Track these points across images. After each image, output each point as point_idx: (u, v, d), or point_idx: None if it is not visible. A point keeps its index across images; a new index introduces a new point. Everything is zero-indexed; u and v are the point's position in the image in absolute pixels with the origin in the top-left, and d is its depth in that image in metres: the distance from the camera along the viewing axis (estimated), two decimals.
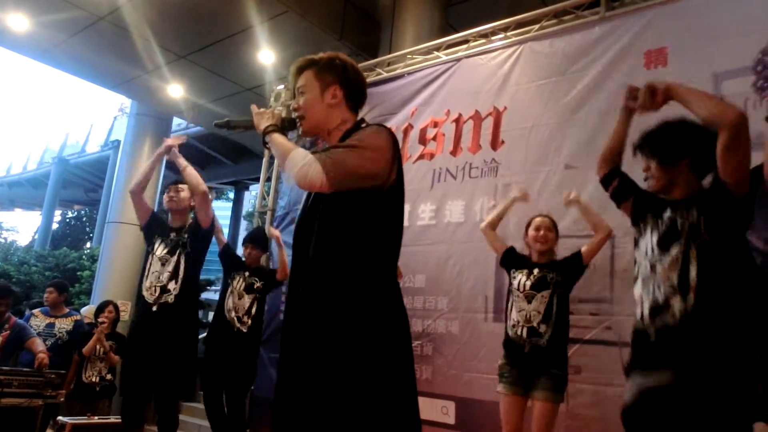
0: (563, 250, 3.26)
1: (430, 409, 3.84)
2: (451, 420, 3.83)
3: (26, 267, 12.58)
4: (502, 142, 4.11)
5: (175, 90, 8.82)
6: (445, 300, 4.07)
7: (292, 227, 5.46)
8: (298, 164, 1.63)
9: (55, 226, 19.31)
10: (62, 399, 4.19)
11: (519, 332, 3.05)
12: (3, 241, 18.71)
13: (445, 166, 4.36)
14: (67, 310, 5.59)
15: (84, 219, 20.23)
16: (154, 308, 3.44)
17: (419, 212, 4.35)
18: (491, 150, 4.15)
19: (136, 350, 3.51)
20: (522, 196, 3.53)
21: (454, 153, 4.33)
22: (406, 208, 3.90)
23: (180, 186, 3.66)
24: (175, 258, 3.53)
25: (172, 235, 3.60)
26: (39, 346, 4.52)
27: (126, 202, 9.60)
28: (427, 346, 4.07)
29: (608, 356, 3.26)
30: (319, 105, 1.82)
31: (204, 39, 7.37)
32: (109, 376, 5.22)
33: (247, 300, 4.32)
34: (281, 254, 4.50)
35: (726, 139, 1.76)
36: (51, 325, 5.30)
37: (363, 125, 1.83)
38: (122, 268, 9.39)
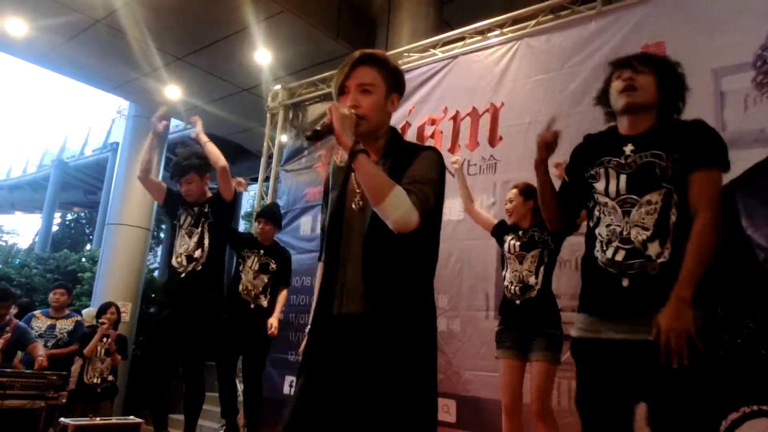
0: (563, 246, 3.24)
1: None
2: (452, 418, 3.83)
3: (27, 270, 12.56)
4: (500, 138, 4.10)
5: (173, 91, 8.81)
6: (446, 298, 4.06)
7: (292, 226, 5.47)
8: (401, 207, 1.52)
9: (55, 228, 19.29)
10: (64, 401, 4.19)
11: (513, 290, 3.15)
12: (3, 244, 18.68)
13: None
14: (68, 311, 5.62)
15: (84, 221, 20.21)
16: (183, 275, 3.64)
17: None
18: (489, 147, 4.14)
19: (166, 316, 3.67)
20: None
21: (452, 150, 4.32)
22: None
23: (189, 177, 3.75)
24: (199, 229, 3.71)
25: (195, 208, 3.76)
26: (40, 350, 4.53)
27: (125, 204, 9.65)
28: None
29: None
30: (382, 109, 1.70)
31: (200, 40, 7.36)
32: (110, 377, 5.22)
33: (261, 280, 4.29)
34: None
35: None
36: (52, 327, 5.32)
37: (399, 136, 1.80)
38: (122, 269, 9.38)
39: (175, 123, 12.16)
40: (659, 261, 1.74)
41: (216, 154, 3.70)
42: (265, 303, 4.26)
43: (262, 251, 4.37)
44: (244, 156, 14.00)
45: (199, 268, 3.65)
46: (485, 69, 4.35)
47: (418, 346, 1.59)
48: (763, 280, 2.76)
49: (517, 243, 3.22)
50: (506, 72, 4.21)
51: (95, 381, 5.12)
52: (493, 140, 4.13)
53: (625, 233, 1.79)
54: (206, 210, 3.75)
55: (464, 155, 4.24)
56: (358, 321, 1.59)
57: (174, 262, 3.71)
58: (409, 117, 4.72)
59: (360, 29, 7.15)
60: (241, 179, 4.21)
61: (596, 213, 1.92)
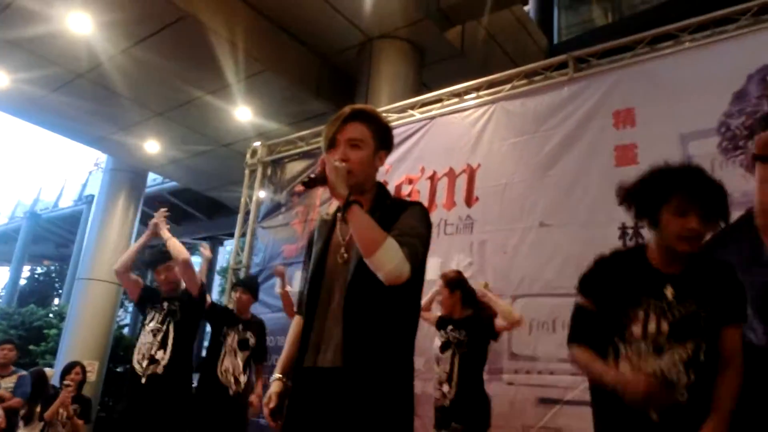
0: (538, 307, 3.23)
1: None
2: None
3: None
4: (477, 198, 4.14)
5: (152, 146, 8.83)
6: (422, 360, 3.99)
7: (268, 283, 5.38)
8: (393, 261, 1.52)
9: (23, 281, 18.79)
10: None
11: (435, 394, 3.17)
12: None
13: None
14: (12, 368, 5.39)
15: (53, 275, 19.73)
16: (143, 380, 3.41)
17: None
18: (466, 206, 4.17)
19: (126, 426, 3.45)
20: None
21: (429, 209, 4.34)
22: None
23: (170, 264, 3.64)
24: (164, 328, 3.52)
25: (165, 304, 3.60)
26: None
27: (98, 258, 9.46)
28: None
29: (589, 417, 3.19)
30: (370, 164, 1.72)
31: (181, 96, 7.44)
32: None
33: (241, 357, 4.11)
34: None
35: None
36: None
37: (386, 192, 1.82)
38: (91, 325, 9.12)
39: (152, 177, 12.12)
40: (686, 386, 1.70)
41: (178, 248, 3.56)
42: (243, 383, 4.06)
43: (240, 326, 4.22)
44: (221, 211, 13.98)
45: (160, 371, 3.42)
46: (462, 130, 4.44)
47: (395, 401, 1.58)
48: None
49: (438, 343, 3.23)
50: (483, 134, 4.30)
51: None
52: (469, 200, 4.17)
53: (657, 371, 1.72)
54: (174, 308, 3.58)
55: (441, 215, 4.26)
56: (336, 375, 1.56)
57: (135, 362, 3.50)
58: (386, 176, 4.76)
59: (340, 89, 7.30)
60: (204, 244, 4.14)
61: (619, 351, 1.81)
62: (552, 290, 3.43)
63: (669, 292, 1.77)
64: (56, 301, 17.20)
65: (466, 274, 3.56)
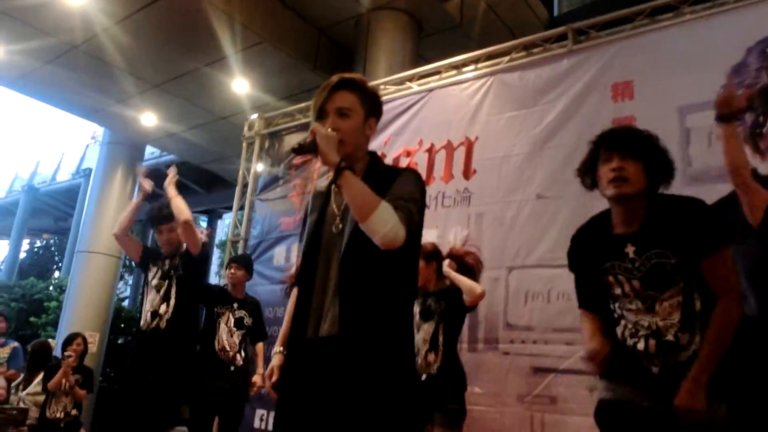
0: (534, 278, 3.27)
1: None
2: None
3: None
4: (474, 171, 4.15)
5: (149, 119, 8.78)
6: None
7: (266, 256, 5.42)
8: (387, 224, 1.53)
9: (22, 255, 18.83)
10: None
11: (418, 362, 3.10)
12: None
13: None
14: (3, 339, 5.48)
15: (53, 248, 19.76)
16: (147, 333, 3.46)
17: None
18: (464, 179, 4.19)
19: (130, 377, 3.52)
20: None
21: (426, 182, 4.36)
22: None
23: (173, 224, 3.60)
24: (167, 282, 3.53)
25: (166, 261, 3.62)
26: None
27: (96, 231, 9.48)
28: None
29: (583, 386, 3.26)
30: (360, 133, 1.74)
31: (178, 68, 7.38)
32: (74, 412, 5.04)
33: (237, 337, 4.10)
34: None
35: None
36: None
37: (379, 160, 1.82)
38: (91, 298, 9.17)
39: (150, 150, 12.08)
40: (692, 349, 1.73)
41: (180, 208, 3.51)
42: (240, 362, 4.07)
43: (235, 305, 4.20)
44: (218, 184, 13.95)
45: (163, 325, 3.43)
46: (460, 103, 4.43)
47: (394, 368, 1.58)
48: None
49: (417, 311, 3.19)
50: (480, 106, 4.29)
51: (58, 416, 4.93)
52: (467, 173, 4.18)
53: (654, 327, 1.77)
54: (176, 262, 3.58)
55: (439, 187, 4.28)
56: (334, 343, 1.58)
57: (141, 319, 3.55)
58: (384, 148, 4.76)
59: (337, 61, 7.24)
60: (203, 229, 4.11)
61: (617, 307, 1.88)
62: (547, 262, 3.47)
63: (630, 250, 1.82)
64: (56, 274, 17.27)
65: (464, 246, 3.60)
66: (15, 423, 3.91)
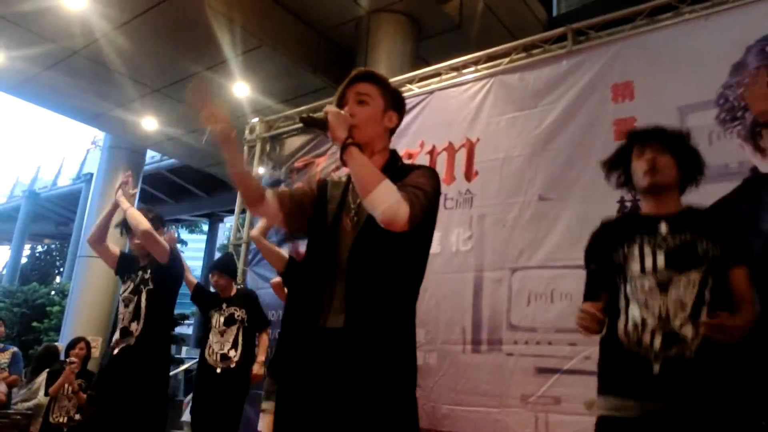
0: (537, 279, 3.27)
1: None
2: None
3: None
4: (476, 173, 4.16)
5: (149, 123, 8.80)
6: (422, 331, 4.04)
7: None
8: (389, 199, 1.52)
9: (24, 260, 18.85)
10: None
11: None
12: None
13: None
14: (2, 345, 5.52)
15: (54, 253, 19.79)
16: (115, 351, 3.30)
17: None
18: (465, 181, 4.19)
19: (98, 400, 3.35)
20: None
21: None
22: None
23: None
24: (136, 297, 3.38)
25: (139, 273, 3.49)
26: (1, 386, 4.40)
27: None
28: None
29: (587, 386, 3.25)
30: (378, 122, 1.75)
31: (178, 72, 7.40)
32: (77, 416, 5.05)
33: (230, 333, 4.10)
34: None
35: None
36: None
37: (398, 157, 1.84)
38: (93, 303, 9.20)
39: (151, 154, 12.10)
40: (695, 346, 1.72)
41: (137, 219, 3.37)
42: (236, 358, 4.04)
43: (224, 304, 4.22)
44: (220, 188, 13.97)
45: (132, 342, 3.27)
46: (461, 104, 4.43)
47: (397, 362, 1.61)
48: None
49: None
50: (481, 108, 4.29)
51: (61, 420, 4.95)
52: (469, 175, 4.18)
53: (663, 314, 1.77)
54: (147, 276, 3.43)
55: (441, 189, 4.26)
56: (339, 335, 1.59)
57: (112, 336, 3.44)
58: None
59: (338, 64, 7.26)
60: (171, 233, 4.00)
61: (626, 294, 1.88)
62: (550, 262, 3.47)
63: (663, 227, 1.88)
64: (57, 279, 17.28)
65: (466, 248, 3.60)
66: (19, 428, 3.91)
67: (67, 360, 5.06)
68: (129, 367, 3.24)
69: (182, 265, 3.73)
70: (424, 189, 1.62)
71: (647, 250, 1.85)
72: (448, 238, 4.10)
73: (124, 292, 3.46)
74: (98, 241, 3.57)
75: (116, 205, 3.56)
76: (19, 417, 3.93)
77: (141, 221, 3.35)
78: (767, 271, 2.30)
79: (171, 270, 3.49)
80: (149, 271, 3.45)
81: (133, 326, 3.30)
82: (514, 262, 3.68)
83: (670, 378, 1.72)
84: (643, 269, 1.84)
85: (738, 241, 1.84)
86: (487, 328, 3.67)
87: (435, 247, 4.13)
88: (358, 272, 1.62)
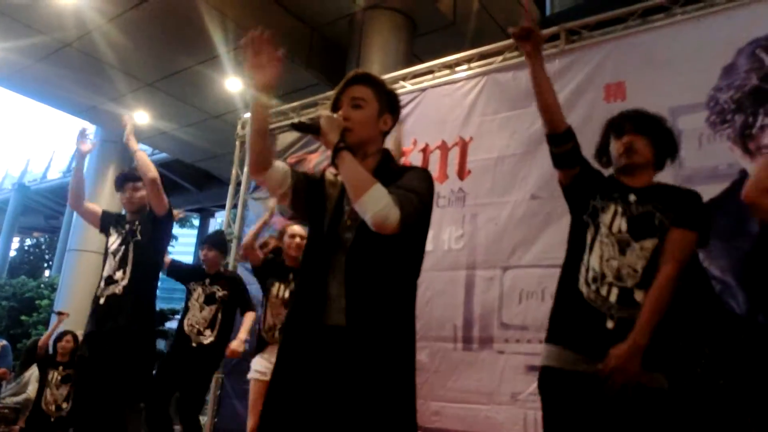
0: (528, 278, 3.29)
1: None
2: None
3: None
4: (469, 171, 4.17)
5: (141, 117, 8.75)
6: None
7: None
8: (379, 203, 1.54)
9: (12, 253, 18.71)
10: None
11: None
12: None
13: None
14: None
15: (43, 246, 19.65)
16: (101, 300, 3.23)
17: None
18: (458, 179, 4.20)
19: (86, 348, 3.29)
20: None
21: None
22: None
23: (137, 184, 3.40)
24: (124, 248, 3.29)
25: (126, 225, 3.39)
26: None
27: (87, 230, 9.42)
28: None
29: None
30: (372, 125, 1.76)
31: (171, 66, 7.37)
32: (65, 405, 5.05)
33: (208, 312, 4.04)
34: None
35: None
36: None
37: (392, 158, 1.84)
38: (82, 296, 9.12)
39: (142, 148, 12.04)
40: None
41: (146, 164, 3.27)
42: (209, 339, 3.99)
43: (207, 280, 4.16)
44: (211, 183, 13.93)
45: (119, 291, 3.18)
46: (454, 102, 4.44)
47: (396, 361, 1.62)
48: (718, 310, 2.84)
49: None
50: (474, 106, 4.30)
51: (51, 408, 4.95)
52: (462, 173, 4.20)
53: (620, 273, 1.90)
54: (135, 227, 3.33)
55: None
56: (339, 333, 1.60)
57: (98, 285, 3.34)
58: None
59: (330, 60, 7.25)
60: (179, 210, 3.98)
61: (591, 240, 2.01)
62: (542, 261, 3.49)
63: (632, 196, 2.02)
64: (46, 272, 17.17)
65: (458, 246, 3.61)
66: (7, 422, 3.90)
67: (58, 312, 5.06)
68: (115, 317, 3.16)
69: (172, 225, 3.60)
70: (417, 191, 1.64)
71: (619, 211, 2.01)
72: (440, 237, 4.11)
73: (111, 244, 3.36)
74: (77, 200, 3.49)
75: (84, 156, 3.55)
76: (7, 411, 3.92)
77: (151, 167, 3.27)
78: (756, 270, 2.34)
79: (162, 223, 3.39)
80: (137, 223, 3.36)
81: (119, 275, 3.22)
82: (505, 261, 3.70)
83: (621, 336, 1.80)
84: (610, 227, 1.99)
85: (687, 208, 1.96)
86: (478, 326, 3.70)
87: (427, 245, 4.13)
88: (357, 272, 1.63)
